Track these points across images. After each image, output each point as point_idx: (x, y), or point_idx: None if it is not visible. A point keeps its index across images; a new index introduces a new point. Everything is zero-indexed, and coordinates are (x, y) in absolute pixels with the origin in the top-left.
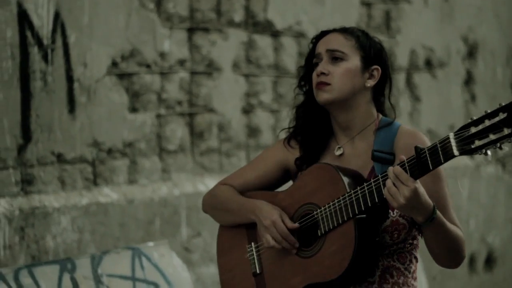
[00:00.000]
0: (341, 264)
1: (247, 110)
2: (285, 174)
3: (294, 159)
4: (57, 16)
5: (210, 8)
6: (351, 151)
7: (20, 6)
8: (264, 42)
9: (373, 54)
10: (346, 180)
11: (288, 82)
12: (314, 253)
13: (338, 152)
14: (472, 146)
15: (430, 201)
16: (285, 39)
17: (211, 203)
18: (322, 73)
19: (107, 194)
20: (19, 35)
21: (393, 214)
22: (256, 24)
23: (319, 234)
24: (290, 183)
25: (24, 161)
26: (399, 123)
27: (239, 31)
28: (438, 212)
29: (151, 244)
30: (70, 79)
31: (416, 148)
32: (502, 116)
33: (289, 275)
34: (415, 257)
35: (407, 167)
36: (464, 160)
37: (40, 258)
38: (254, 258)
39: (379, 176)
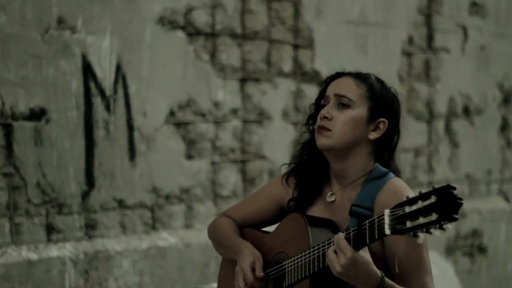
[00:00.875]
0: None
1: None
2: (282, 211)
3: (287, 195)
4: (118, 68)
5: (261, 59)
6: (341, 200)
7: (84, 59)
8: (311, 91)
9: (383, 106)
10: (314, 234)
11: None
12: None
13: (330, 199)
14: (404, 227)
15: (376, 271)
16: None
17: (211, 234)
18: (325, 117)
19: (165, 238)
20: (83, 86)
21: None
22: (303, 74)
23: (284, 286)
24: None
25: (88, 206)
26: (392, 176)
27: (288, 80)
28: (387, 283)
29: (207, 286)
30: (130, 128)
31: (361, 218)
32: (433, 199)
33: None
34: None
35: (351, 236)
36: (501, 203)
37: None
38: None
39: (332, 239)
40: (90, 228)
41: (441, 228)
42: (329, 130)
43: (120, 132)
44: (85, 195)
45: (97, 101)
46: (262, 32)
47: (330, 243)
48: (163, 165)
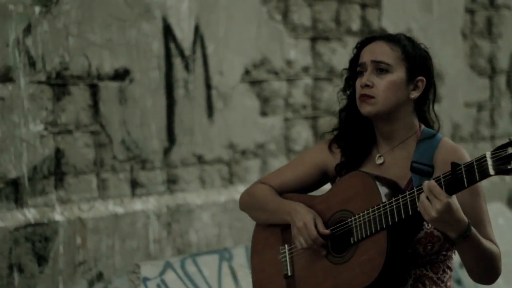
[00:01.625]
0: (371, 274)
1: None
2: (324, 178)
3: (334, 163)
4: (197, 29)
5: (330, 19)
6: (391, 160)
7: (165, 21)
8: None
9: (419, 65)
10: (382, 190)
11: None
12: (345, 260)
13: (379, 161)
14: (509, 167)
15: (465, 218)
16: None
17: (249, 202)
18: (366, 85)
19: (242, 191)
20: (164, 47)
21: (428, 226)
22: (371, 32)
23: (352, 242)
24: (328, 186)
25: (169, 162)
26: (441, 135)
27: (356, 39)
28: (473, 230)
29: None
30: (208, 86)
31: (452, 164)
32: None
33: (320, 280)
34: (449, 267)
35: (442, 182)
36: None
37: (185, 251)
38: (286, 260)
39: (415, 188)
40: (172, 183)
41: None
42: (372, 97)
43: (199, 90)
44: (166, 151)
45: (177, 61)
46: None
47: (413, 192)
48: (239, 122)
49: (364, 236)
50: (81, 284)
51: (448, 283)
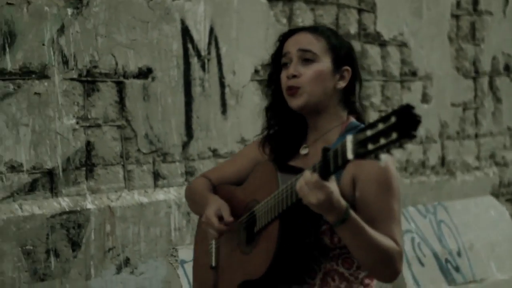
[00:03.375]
0: (263, 264)
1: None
2: None
3: (266, 158)
4: (211, 31)
5: (331, 22)
6: (314, 151)
7: (183, 23)
8: (374, 51)
9: (344, 55)
10: (283, 178)
11: (394, 86)
12: (250, 250)
13: (303, 152)
14: (366, 150)
15: (343, 202)
16: (391, 48)
17: (187, 195)
18: (294, 76)
19: None
20: (182, 47)
21: None
22: (367, 35)
23: (255, 231)
24: None
25: (187, 155)
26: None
27: (354, 41)
28: (352, 215)
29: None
30: (222, 85)
31: (323, 148)
32: (393, 120)
33: (233, 270)
34: None
35: (316, 167)
36: None
37: None
38: (212, 252)
39: (297, 176)
40: (190, 175)
41: (401, 146)
42: (298, 88)
43: (214, 88)
44: (185, 145)
45: (194, 61)
46: None
47: (297, 179)
48: (249, 118)
49: (263, 225)
50: (110, 268)
51: (366, 281)
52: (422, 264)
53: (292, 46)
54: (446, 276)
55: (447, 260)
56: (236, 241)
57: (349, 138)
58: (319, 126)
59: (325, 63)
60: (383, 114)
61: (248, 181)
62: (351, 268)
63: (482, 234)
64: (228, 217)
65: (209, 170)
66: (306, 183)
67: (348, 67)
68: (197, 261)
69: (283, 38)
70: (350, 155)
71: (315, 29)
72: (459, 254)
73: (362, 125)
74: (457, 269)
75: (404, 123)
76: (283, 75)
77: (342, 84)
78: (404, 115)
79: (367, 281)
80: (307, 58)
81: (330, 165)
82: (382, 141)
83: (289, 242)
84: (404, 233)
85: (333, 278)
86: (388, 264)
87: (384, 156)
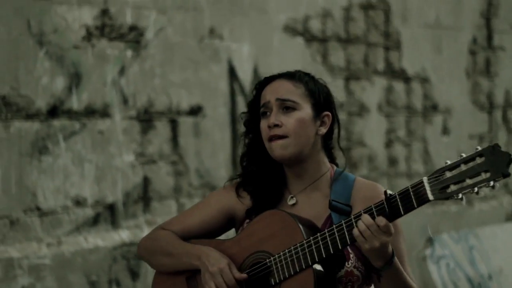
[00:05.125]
0: None
1: (388, 144)
2: (229, 222)
3: (242, 207)
4: (255, 70)
5: (360, 60)
6: (305, 200)
7: (229, 63)
8: (399, 87)
9: (323, 100)
10: (302, 227)
11: (417, 120)
12: None
13: (291, 202)
14: (448, 191)
15: (390, 246)
16: (414, 84)
17: (150, 247)
18: (276, 125)
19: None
20: (229, 86)
21: (348, 264)
22: (393, 72)
23: (272, 283)
24: (230, 233)
25: None
26: (354, 176)
27: (382, 78)
28: (395, 257)
29: None
30: None
31: (385, 192)
32: (479, 160)
33: None
34: None
35: (374, 212)
36: None
37: None
38: None
39: (343, 222)
40: None
41: (493, 186)
42: (284, 137)
43: None
44: (232, 178)
45: (240, 99)
46: (361, 37)
47: (340, 226)
48: None
49: (287, 275)
50: None
51: None
52: (457, 287)
53: (271, 94)
54: None
55: (479, 284)
56: None
57: (426, 179)
58: (304, 174)
59: (306, 109)
60: (409, 147)
61: (246, 233)
62: None
63: (511, 259)
64: (240, 274)
65: (167, 222)
66: (368, 227)
67: (328, 112)
68: None
69: (260, 86)
70: (431, 196)
71: (292, 76)
72: (490, 277)
73: (351, 175)
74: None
75: (495, 161)
76: (263, 124)
77: (323, 130)
78: (493, 153)
79: None
80: (287, 107)
81: (399, 208)
82: (469, 181)
83: None
84: (440, 258)
85: None
86: None
87: (465, 197)
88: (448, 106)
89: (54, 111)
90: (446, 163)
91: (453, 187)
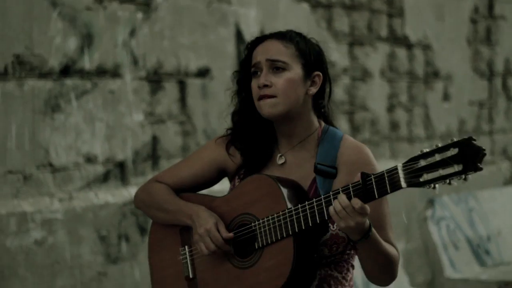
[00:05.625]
0: (277, 280)
1: (390, 109)
2: (220, 174)
3: (232, 163)
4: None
5: (364, 26)
6: (293, 160)
7: (237, 27)
8: (401, 53)
9: (314, 60)
10: (286, 194)
11: (419, 86)
12: (250, 265)
13: (280, 161)
14: (421, 180)
15: (367, 220)
16: (416, 51)
17: (146, 200)
18: (265, 85)
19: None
20: (235, 49)
21: (333, 228)
22: (396, 39)
23: (256, 247)
24: (224, 185)
25: None
26: (341, 133)
27: (384, 44)
28: (373, 230)
29: None
30: None
31: (362, 174)
32: (453, 151)
33: (223, 283)
34: (352, 265)
35: (351, 192)
36: None
37: None
38: (187, 261)
39: (322, 197)
40: None
41: (465, 178)
42: (273, 97)
43: None
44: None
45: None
46: (365, 3)
47: (320, 201)
48: None
49: (269, 241)
50: None
51: (351, 282)
52: (457, 248)
53: (261, 55)
54: (478, 259)
55: (478, 245)
56: (220, 253)
57: (400, 167)
58: (293, 133)
59: (296, 70)
60: (410, 112)
61: (236, 193)
62: (342, 271)
63: (509, 221)
64: (227, 233)
65: (161, 174)
66: (344, 207)
67: (319, 72)
68: (161, 271)
69: (251, 46)
70: (404, 184)
71: (283, 36)
72: (488, 239)
73: (337, 130)
74: (487, 252)
75: (468, 154)
76: (254, 84)
77: (313, 90)
78: (467, 146)
79: (352, 282)
80: (277, 67)
81: (374, 191)
82: (441, 171)
83: (304, 259)
84: (440, 220)
85: (329, 284)
86: (392, 271)
87: (438, 187)
88: (449, 72)
89: (66, 71)
90: (422, 151)
91: (426, 176)
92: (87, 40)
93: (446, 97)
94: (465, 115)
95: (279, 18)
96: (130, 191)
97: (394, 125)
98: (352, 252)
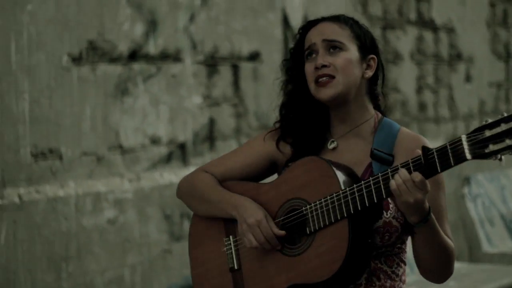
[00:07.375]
0: (331, 266)
1: (418, 91)
2: (271, 168)
3: (282, 157)
4: (305, 19)
5: (396, 10)
6: (345, 146)
7: (283, 12)
8: (428, 36)
9: (369, 43)
10: (340, 176)
11: (444, 68)
12: (300, 252)
13: (331, 146)
14: (486, 151)
15: (427, 203)
16: (441, 34)
17: (188, 191)
18: (324, 66)
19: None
20: (282, 34)
21: (387, 215)
22: (423, 22)
23: (308, 232)
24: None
25: None
26: (398, 125)
27: (414, 28)
28: (432, 215)
29: None
30: None
31: (423, 148)
32: None
33: (271, 273)
34: (403, 261)
35: (411, 167)
36: None
37: None
38: (232, 252)
39: (379, 175)
40: None
41: None
42: (333, 77)
43: None
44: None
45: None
46: None
47: (377, 179)
48: None
49: (322, 225)
50: None
51: (403, 277)
52: (492, 224)
53: (316, 36)
54: (511, 234)
55: (511, 221)
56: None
57: (465, 138)
58: (348, 118)
59: (352, 51)
60: (436, 94)
61: (284, 178)
62: (392, 265)
63: None
64: (277, 230)
65: (209, 164)
66: (404, 181)
67: (374, 56)
68: (203, 265)
69: (303, 31)
70: (468, 155)
71: (337, 18)
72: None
73: (393, 121)
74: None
75: None
76: (309, 67)
77: (369, 73)
78: None
79: (403, 277)
80: (334, 46)
81: (437, 165)
82: (508, 141)
83: (358, 243)
84: (476, 197)
85: (378, 277)
86: (449, 265)
87: (504, 158)
88: (470, 55)
89: (133, 55)
90: (487, 121)
91: (492, 147)
92: (152, 26)
93: (468, 78)
94: (485, 96)
95: (320, 3)
96: (191, 171)
97: (422, 106)
98: (403, 246)
